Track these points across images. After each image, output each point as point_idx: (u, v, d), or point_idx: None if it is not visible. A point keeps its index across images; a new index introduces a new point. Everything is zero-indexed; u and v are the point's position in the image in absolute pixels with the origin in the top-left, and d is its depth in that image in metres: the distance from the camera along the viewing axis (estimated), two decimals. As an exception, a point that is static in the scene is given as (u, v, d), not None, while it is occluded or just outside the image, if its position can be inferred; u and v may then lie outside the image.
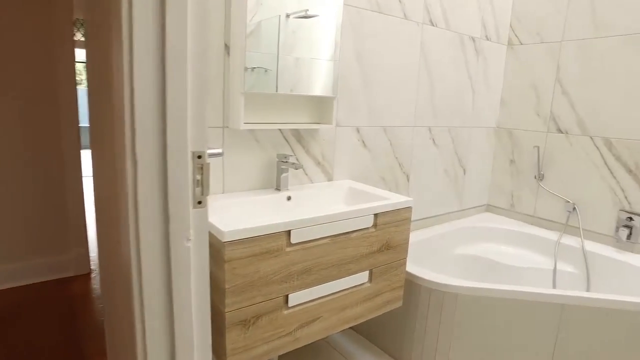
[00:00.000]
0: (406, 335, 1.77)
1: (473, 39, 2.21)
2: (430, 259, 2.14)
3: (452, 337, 1.65)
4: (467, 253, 2.28)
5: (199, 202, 0.75)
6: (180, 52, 0.67)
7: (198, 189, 0.75)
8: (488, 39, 2.29)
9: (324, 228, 1.30)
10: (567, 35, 2.18)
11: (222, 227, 1.10)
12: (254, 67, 1.42)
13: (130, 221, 0.69)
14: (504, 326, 1.61)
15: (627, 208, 2.05)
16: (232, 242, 1.10)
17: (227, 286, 1.12)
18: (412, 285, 1.70)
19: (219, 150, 0.89)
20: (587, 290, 2.05)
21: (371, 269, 1.48)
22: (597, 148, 2.12)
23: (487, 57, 2.32)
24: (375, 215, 1.44)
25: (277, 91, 1.47)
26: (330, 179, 1.79)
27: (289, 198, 1.55)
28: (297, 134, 1.65)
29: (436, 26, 2.02)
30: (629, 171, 2.03)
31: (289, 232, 1.22)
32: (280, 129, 1.60)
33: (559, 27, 2.21)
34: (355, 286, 1.45)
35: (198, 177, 0.74)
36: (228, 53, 1.42)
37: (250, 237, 1.14)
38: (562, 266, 2.16)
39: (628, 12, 1.97)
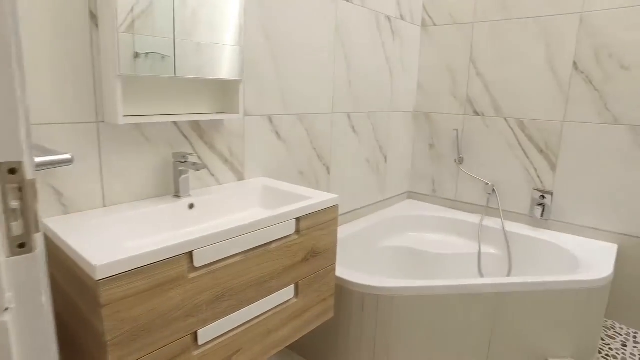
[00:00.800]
0: (340, 345, 1.59)
1: (389, 19, 2.07)
2: (357, 256, 1.99)
3: (389, 340, 1.51)
4: (393, 245, 2.18)
5: (21, 245, 0.47)
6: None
7: (16, 224, 0.46)
8: (403, 19, 2.18)
9: (236, 242, 1.05)
10: (479, 16, 2.14)
11: (93, 260, 0.80)
12: (148, 53, 1.12)
13: None
14: (441, 322, 1.50)
15: (540, 187, 2.09)
16: (110, 279, 0.81)
17: (108, 338, 0.83)
18: (343, 291, 1.52)
19: (65, 157, 0.60)
20: (510, 269, 2.06)
21: (297, 282, 1.27)
22: (511, 129, 2.12)
23: (403, 38, 2.21)
24: (298, 219, 1.22)
25: (175, 75, 1.18)
26: (241, 178, 1.53)
27: (191, 206, 1.27)
28: (198, 128, 1.37)
29: (351, 2, 1.83)
30: (541, 151, 2.05)
31: (191, 254, 0.95)
32: (175, 122, 1.30)
33: (470, 8, 2.16)
34: (280, 305, 1.22)
35: (15, 204, 0.46)
36: (96, 24, 1.08)
37: (138, 268, 0.85)
38: (485, 249, 2.15)
39: (534, -9, 1.97)
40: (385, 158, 2.27)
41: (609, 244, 1.92)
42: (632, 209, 1.87)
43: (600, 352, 1.80)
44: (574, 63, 1.91)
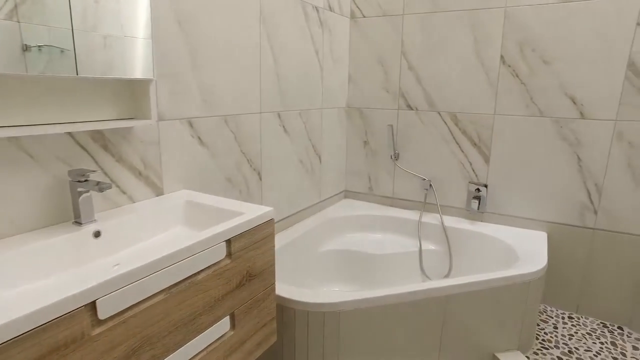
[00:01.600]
0: (283, 369, 1.45)
1: (316, 9, 1.94)
2: (297, 266, 1.86)
3: (338, 356, 1.40)
4: (333, 248, 2.08)
5: None
6: None
7: None
8: (331, 10, 2.06)
9: (154, 280, 0.86)
10: (408, 8, 2.08)
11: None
12: (41, 46, 0.88)
13: None
14: (391, 331, 1.42)
15: (475, 180, 2.10)
16: (-30, 360, 0.59)
17: None
18: (285, 310, 1.38)
19: None
20: (450, 265, 2.05)
21: (232, 312, 1.10)
22: (445, 123, 2.10)
23: (332, 30, 2.09)
24: (229, 241, 1.05)
25: (77, 74, 0.94)
26: (160, 194, 1.32)
27: (97, 234, 1.04)
28: (102, 138, 1.13)
29: (275, -10, 1.67)
30: (474, 144, 2.06)
31: (93, 304, 0.75)
32: (70, 133, 1.06)
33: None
34: (215, 341, 1.05)
35: None
36: (-58, 11, 0.82)
37: (11, 340, 0.64)
38: (426, 245, 2.13)
39: (461, -17, 1.95)
40: (320, 158, 2.15)
41: (540, 232, 1.97)
42: (557, 198, 1.93)
43: (537, 338, 1.85)
44: (501, 57, 1.92)
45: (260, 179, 1.76)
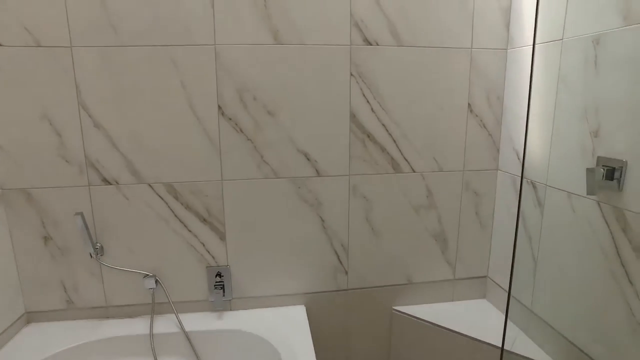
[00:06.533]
0: None
1: None
2: None
3: None
4: None
5: None
6: None
7: None
8: None
9: None
10: (77, 37, 1.41)
11: None
12: None
13: None
14: None
15: (213, 263, 1.64)
16: None
17: None
18: None
19: None
20: (202, 383, 1.55)
21: None
22: (161, 198, 1.55)
23: None
24: None
25: None
26: None
27: None
28: None
29: None
30: (204, 220, 1.59)
31: None
32: None
33: (60, 22, 1.39)
34: None
35: None
36: None
37: None
38: (164, 365, 1.55)
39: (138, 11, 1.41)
40: (-47, 291, 1.25)
41: (298, 308, 1.70)
42: (308, 266, 1.69)
43: None
44: (219, 107, 1.51)
45: None
